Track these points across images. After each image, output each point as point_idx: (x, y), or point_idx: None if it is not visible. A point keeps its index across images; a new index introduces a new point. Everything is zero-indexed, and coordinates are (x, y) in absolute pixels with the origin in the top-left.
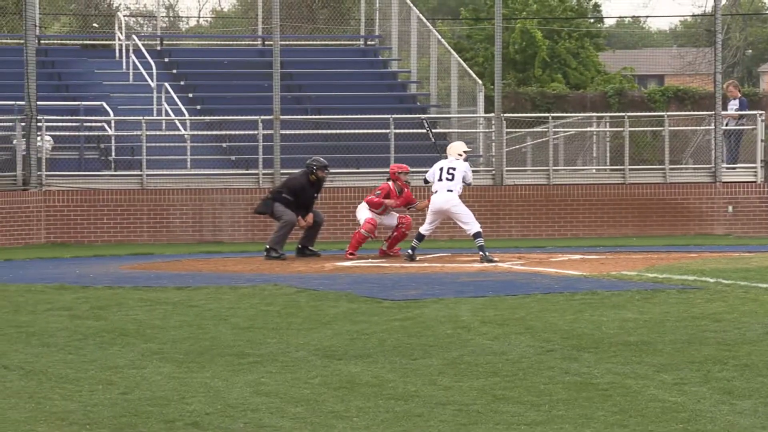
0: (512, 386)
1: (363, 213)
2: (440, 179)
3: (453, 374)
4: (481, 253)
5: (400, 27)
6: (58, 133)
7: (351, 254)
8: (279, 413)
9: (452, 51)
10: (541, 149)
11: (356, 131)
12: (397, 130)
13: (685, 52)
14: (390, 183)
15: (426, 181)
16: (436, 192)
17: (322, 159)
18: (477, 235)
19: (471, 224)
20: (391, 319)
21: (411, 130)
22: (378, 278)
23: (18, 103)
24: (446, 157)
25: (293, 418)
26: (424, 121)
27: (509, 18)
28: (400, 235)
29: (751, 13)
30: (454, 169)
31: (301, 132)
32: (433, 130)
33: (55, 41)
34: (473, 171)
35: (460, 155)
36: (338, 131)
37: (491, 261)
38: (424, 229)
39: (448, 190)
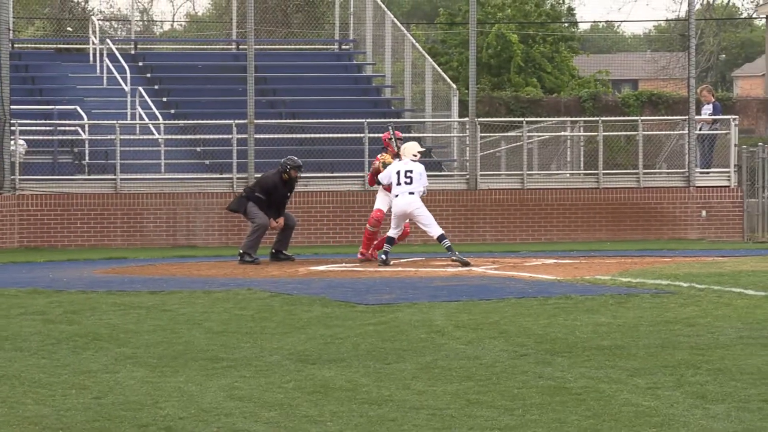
0: (486, 390)
1: (378, 200)
2: (399, 183)
3: (427, 379)
4: (449, 253)
5: (375, 31)
6: (31, 137)
7: (362, 254)
8: (252, 418)
9: (426, 55)
10: (516, 153)
11: (330, 135)
12: (372, 135)
13: (659, 57)
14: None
15: (378, 182)
16: (397, 196)
17: (296, 158)
18: (441, 237)
19: (432, 227)
20: (365, 324)
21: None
22: (352, 283)
23: None
24: (400, 159)
25: (267, 422)
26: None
27: (484, 22)
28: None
29: (725, 18)
30: (411, 171)
31: (276, 136)
32: (406, 135)
33: (29, 45)
34: (445, 175)
35: (415, 156)
36: (312, 135)
37: (464, 262)
38: (393, 233)
39: (410, 193)
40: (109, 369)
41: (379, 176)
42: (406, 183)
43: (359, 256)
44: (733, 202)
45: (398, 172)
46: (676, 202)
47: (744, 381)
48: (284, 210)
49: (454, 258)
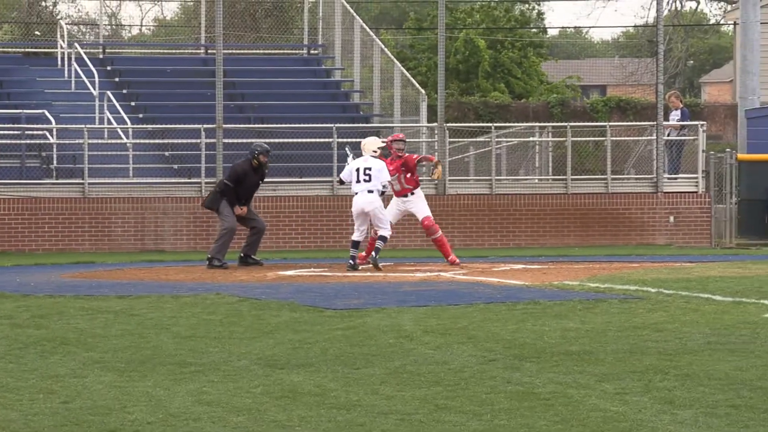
0: (454, 396)
1: (387, 210)
2: (358, 181)
3: (395, 384)
4: (374, 253)
5: (344, 36)
6: None
7: (452, 261)
8: (221, 422)
9: (395, 60)
10: (484, 159)
11: (299, 140)
12: (340, 139)
13: (627, 63)
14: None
15: (341, 182)
16: (356, 194)
17: (264, 144)
18: (383, 239)
19: (385, 229)
20: (334, 329)
21: (354, 140)
22: (320, 287)
23: None
24: (362, 155)
25: (235, 427)
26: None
27: (452, 27)
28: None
29: (693, 24)
30: (369, 169)
31: (244, 141)
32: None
33: None
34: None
35: (375, 152)
36: (281, 140)
37: (377, 267)
38: (356, 237)
39: (369, 191)
40: (76, 373)
41: (341, 174)
42: (364, 181)
43: (452, 263)
44: (701, 208)
45: (357, 170)
46: (644, 207)
47: (712, 386)
48: (253, 197)
49: (371, 259)
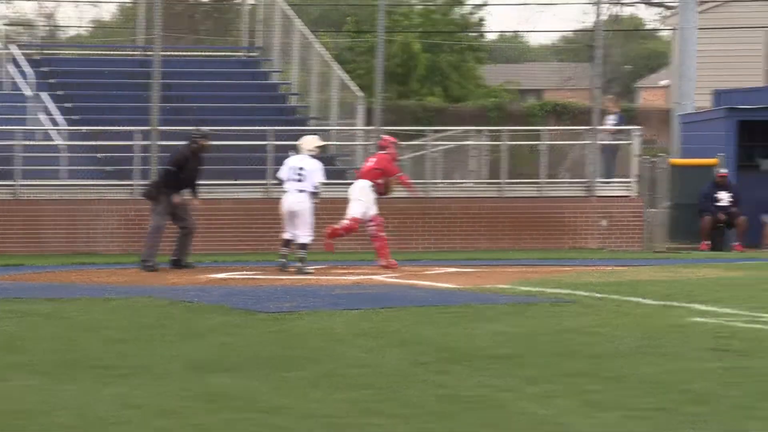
0: (384, 399)
1: (360, 204)
2: (290, 179)
3: (325, 387)
4: (299, 264)
5: (283, 39)
6: None
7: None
8: (145, 426)
9: (333, 63)
10: (420, 162)
11: (235, 143)
12: (276, 142)
13: (564, 67)
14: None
15: (281, 181)
16: (287, 192)
17: (203, 128)
18: (303, 246)
19: (306, 235)
20: (265, 332)
21: (291, 142)
22: (252, 290)
23: None
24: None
25: (157, 430)
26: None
27: (391, 30)
28: (347, 230)
29: (631, 29)
30: (302, 168)
31: (181, 143)
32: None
33: None
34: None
35: (311, 150)
36: (218, 142)
37: (308, 273)
38: (286, 236)
39: (299, 191)
40: (1, 377)
41: (278, 173)
42: (296, 180)
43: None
44: (634, 212)
45: (291, 168)
46: (577, 211)
47: (640, 389)
48: (195, 183)
49: (299, 267)
